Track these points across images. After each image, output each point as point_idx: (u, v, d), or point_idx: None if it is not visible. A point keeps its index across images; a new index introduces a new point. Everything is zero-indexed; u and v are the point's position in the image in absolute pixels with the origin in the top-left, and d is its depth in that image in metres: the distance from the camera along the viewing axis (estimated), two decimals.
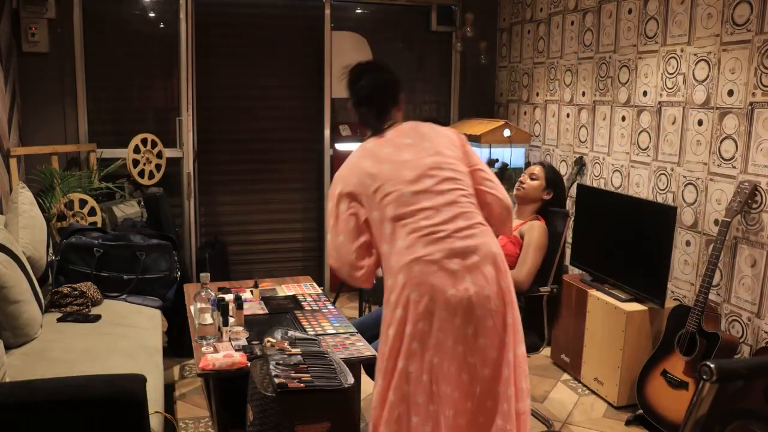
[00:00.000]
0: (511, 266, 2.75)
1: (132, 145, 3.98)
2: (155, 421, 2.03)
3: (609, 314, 3.15)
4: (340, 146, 4.02)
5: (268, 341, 2.29)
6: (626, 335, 3.04)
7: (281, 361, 2.03)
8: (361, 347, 2.40)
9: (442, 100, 5.04)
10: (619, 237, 3.29)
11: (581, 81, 3.96)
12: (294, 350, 2.16)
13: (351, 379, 1.97)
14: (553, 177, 2.99)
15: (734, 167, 2.88)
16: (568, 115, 4.12)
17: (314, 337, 2.36)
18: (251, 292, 2.94)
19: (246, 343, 2.34)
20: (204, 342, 2.37)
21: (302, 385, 1.89)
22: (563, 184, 3.11)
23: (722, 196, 2.95)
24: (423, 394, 1.84)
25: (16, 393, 1.75)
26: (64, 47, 4.02)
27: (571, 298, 3.45)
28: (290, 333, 2.37)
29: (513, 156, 4.29)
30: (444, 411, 1.83)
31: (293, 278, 3.30)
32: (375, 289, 4.07)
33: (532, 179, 2.93)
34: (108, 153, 4.14)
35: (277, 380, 1.89)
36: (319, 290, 3.08)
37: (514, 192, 2.96)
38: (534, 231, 2.76)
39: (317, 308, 2.81)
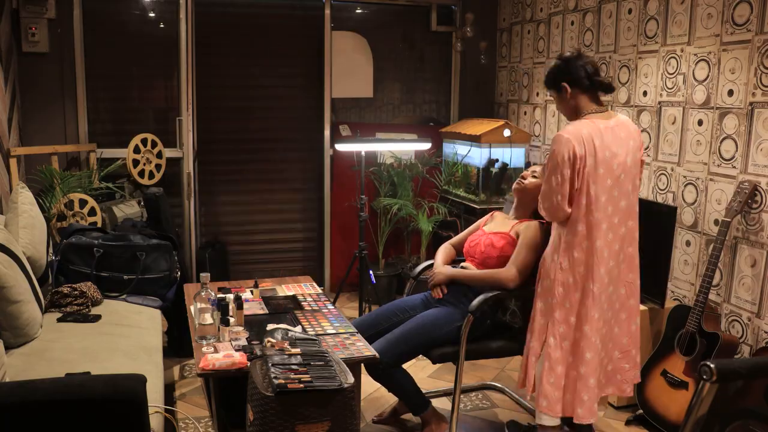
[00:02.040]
0: None
1: (132, 145, 3.98)
2: (155, 421, 2.03)
3: None
4: (340, 146, 4.02)
5: (269, 341, 2.29)
6: None
7: (281, 361, 2.03)
8: (361, 347, 2.40)
9: (442, 99, 5.04)
10: None
11: None
12: (294, 350, 2.16)
13: (351, 379, 1.97)
14: None
15: (734, 167, 2.88)
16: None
17: (314, 337, 2.37)
18: (251, 292, 2.94)
19: (246, 343, 2.34)
20: (204, 342, 2.37)
21: (302, 385, 1.89)
22: None
23: (722, 196, 2.95)
24: None
25: (16, 393, 1.75)
26: (64, 47, 4.03)
27: None
28: (290, 333, 2.37)
29: (513, 156, 4.29)
30: None
31: (293, 278, 3.30)
32: (375, 289, 4.08)
33: (533, 177, 2.93)
34: (108, 153, 4.14)
35: (276, 380, 1.89)
36: (319, 290, 3.08)
37: (513, 186, 2.94)
38: (529, 230, 2.76)
39: (317, 308, 2.81)
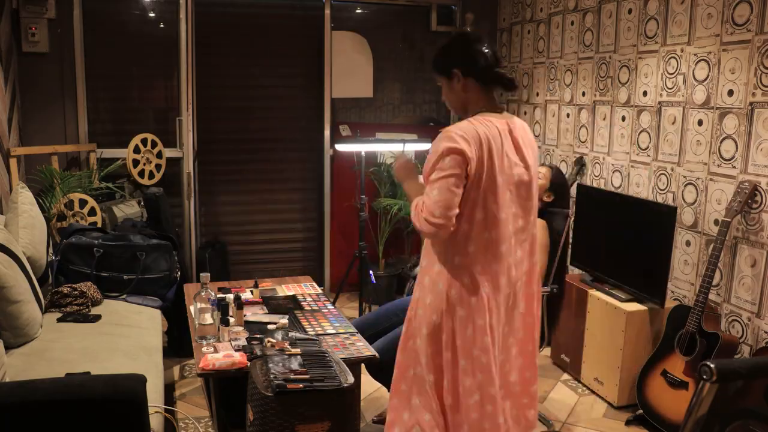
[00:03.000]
0: None
1: (132, 145, 3.98)
2: (155, 421, 2.03)
3: (609, 314, 3.15)
4: (340, 146, 4.02)
5: (269, 341, 2.29)
6: (626, 335, 3.04)
7: (281, 362, 2.03)
8: (361, 347, 2.40)
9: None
10: (620, 237, 3.29)
11: (581, 81, 3.96)
12: (294, 350, 2.16)
13: (351, 379, 1.97)
14: (558, 181, 2.98)
15: (734, 167, 2.88)
16: (568, 115, 4.12)
17: (314, 337, 2.37)
18: (251, 292, 2.94)
19: (246, 343, 2.34)
20: (204, 342, 2.37)
21: (302, 385, 1.89)
22: (567, 189, 3.10)
23: (722, 196, 2.95)
24: None
25: (16, 393, 1.75)
26: (64, 47, 4.02)
27: (571, 298, 3.45)
28: (290, 333, 2.38)
29: None
30: None
31: (293, 278, 3.30)
32: (375, 289, 4.08)
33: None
34: (108, 153, 4.14)
35: (276, 381, 1.89)
36: (319, 290, 3.08)
37: None
38: (538, 231, 2.75)
39: (317, 308, 2.81)
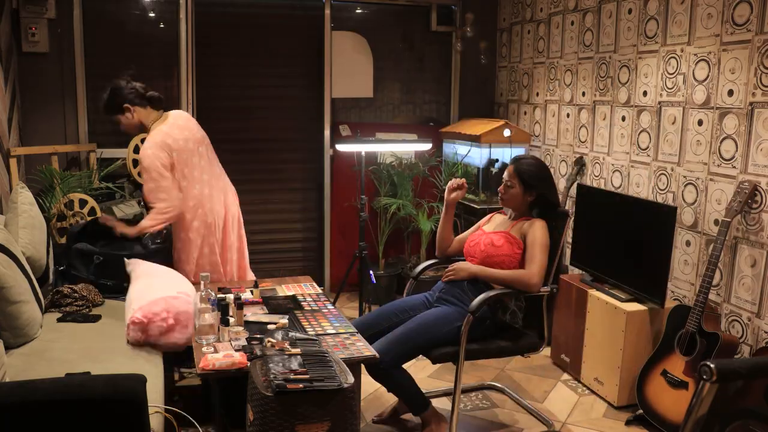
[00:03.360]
0: (511, 266, 2.75)
1: (132, 144, 3.98)
2: (155, 421, 2.03)
3: (609, 314, 3.15)
4: (340, 146, 4.02)
5: (269, 341, 2.29)
6: (626, 335, 3.04)
7: (281, 362, 2.03)
8: (361, 347, 2.40)
9: (442, 100, 5.03)
10: (619, 237, 3.29)
11: (581, 81, 3.96)
12: (294, 350, 2.16)
13: (351, 379, 1.97)
14: (528, 177, 2.79)
15: (734, 167, 2.88)
16: (568, 115, 4.12)
17: (314, 337, 2.37)
18: (251, 292, 2.94)
19: (246, 343, 2.34)
20: (204, 342, 2.37)
21: (302, 385, 1.89)
22: (544, 178, 2.83)
23: (722, 196, 2.95)
24: None
25: (15, 393, 1.75)
26: (64, 47, 4.02)
27: (571, 298, 3.45)
28: (290, 333, 2.38)
29: (513, 156, 4.29)
30: None
31: (293, 278, 3.30)
32: (375, 289, 4.08)
33: (508, 187, 2.83)
34: (108, 153, 4.14)
35: (276, 381, 1.89)
36: (319, 290, 3.08)
37: (499, 198, 2.90)
38: (537, 230, 2.75)
39: (317, 308, 2.80)
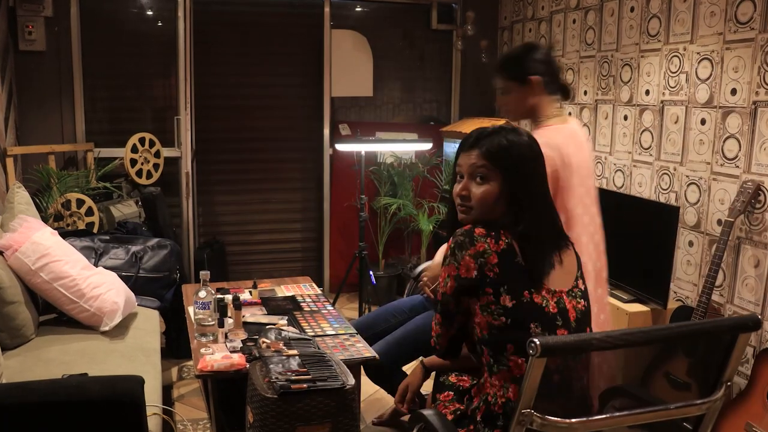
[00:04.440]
0: None
1: (130, 144, 3.96)
2: (153, 423, 2.01)
3: (611, 315, 3.13)
4: (340, 146, 4.00)
5: (263, 342, 2.26)
6: None
7: (280, 362, 2.01)
8: (361, 348, 2.38)
9: (443, 99, 5.02)
10: (621, 237, 3.26)
11: (583, 80, 3.94)
12: (291, 351, 2.13)
13: (352, 380, 1.95)
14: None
15: (737, 167, 2.86)
16: (569, 114, 4.10)
17: (309, 337, 2.34)
18: (250, 292, 2.92)
19: (243, 345, 2.32)
20: (203, 339, 2.35)
21: (304, 386, 1.87)
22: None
23: (725, 195, 2.93)
24: None
25: (12, 394, 1.73)
26: (61, 46, 4.00)
27: None
28: (284, 333, 2.35)
29: None
30: None
31: (292, 279, 3.28)
32: (375, 290, 4.06)
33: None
34: (105, 152, 4.11)
35: (279, 382, 1.87)
36: (319, 291, 3.06)
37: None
38: None
39: (316, 309, 2.78)
